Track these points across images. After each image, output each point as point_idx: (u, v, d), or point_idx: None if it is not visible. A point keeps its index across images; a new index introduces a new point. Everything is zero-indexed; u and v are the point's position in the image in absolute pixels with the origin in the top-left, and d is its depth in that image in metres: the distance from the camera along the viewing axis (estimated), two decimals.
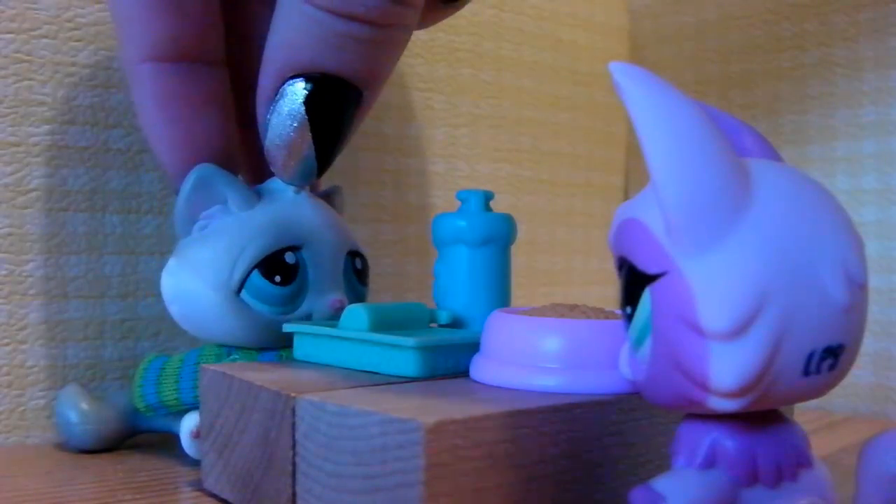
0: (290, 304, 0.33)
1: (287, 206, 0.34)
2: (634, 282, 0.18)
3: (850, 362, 0.19)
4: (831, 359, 0.18)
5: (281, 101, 0.27)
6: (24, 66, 0.38)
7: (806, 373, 0.17)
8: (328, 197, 0.37)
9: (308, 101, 0.27)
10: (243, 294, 0.32)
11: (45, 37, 0.38)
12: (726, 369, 0.17)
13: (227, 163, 0.32)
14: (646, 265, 0.18)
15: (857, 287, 0.18)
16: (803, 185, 0.19)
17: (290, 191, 0.34)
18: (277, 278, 0.32)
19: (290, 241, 0.33)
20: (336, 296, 0.34)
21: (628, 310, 0.19)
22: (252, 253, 0.32)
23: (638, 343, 0.19)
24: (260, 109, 0.29)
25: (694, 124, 0.17)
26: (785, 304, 0.17)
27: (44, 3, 0.38)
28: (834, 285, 0.18)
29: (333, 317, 0.33)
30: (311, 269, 0.33)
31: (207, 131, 0.32)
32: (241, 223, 0.33)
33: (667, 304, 0.17)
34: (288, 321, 0.32)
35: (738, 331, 0.17)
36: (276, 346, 0.33)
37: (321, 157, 0.30)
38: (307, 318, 0.33)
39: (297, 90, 0.27)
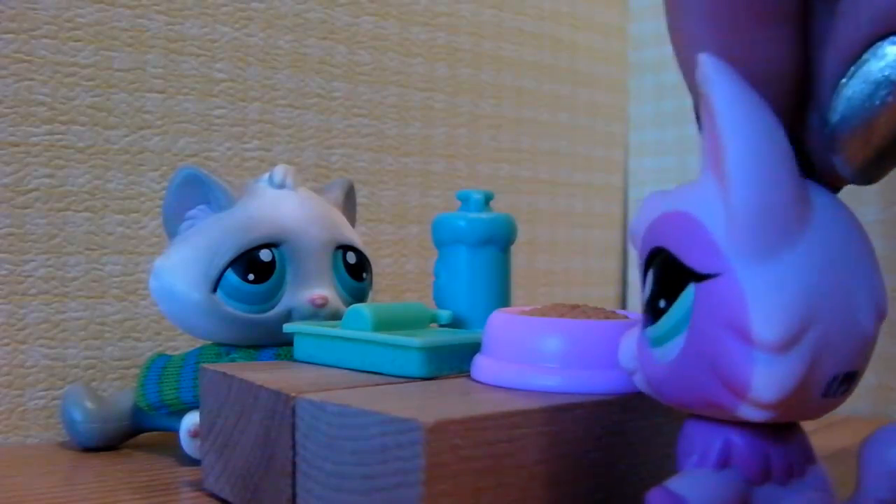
0: (265, 301, 0.33)
1: (266, 202, 0.34)
2: (674, 276, 0.18)
3: (855, 388, 0.19)
4: (846, 384, 0.18)
5: (872, 63, 0.19)
6: (24, 66, 0.38)
7: (824, 395, 0.18)
8: (332, 191, 0.37)
9: None
10: (218, 293, 0.32)
11: (45, 37, 0.38)
12: (769, 381, 0.17)
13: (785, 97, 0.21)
14: (696, 263, 0.17)
15: (881, 318, 0.18)
16: (844, 211, 0.19)
17: (271, 188, 0.34)
18: (251, 276, 0.32)
19: (266, 238, 0.33)
20: (319, 291, 0.34)
21: (662, 303, 0.18)
22: (226, 252, 0.32)
23: (663, 339, 0.18)
24: (832, 63, 0.19)
25: (777, 133, 0.17)
26: (824, 326, 0.17)
27: (44, 3, 0.38)
28: (865, 314, 0.18)
29: (315, 313, 0.33)
30: (291, 265, 0.33)
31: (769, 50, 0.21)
32: (219, 222, 0.33)
33: (715, 306, 0.17)
34: (265, 318, 0.33)
35: (787, 345, 0.16)
36: (255, 343, 0.33)
37: None
38: (286, 314, 0.33)
39: None
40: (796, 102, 0.20)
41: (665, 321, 0.18)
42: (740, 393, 0.17)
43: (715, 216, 0.17)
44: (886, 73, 0.18)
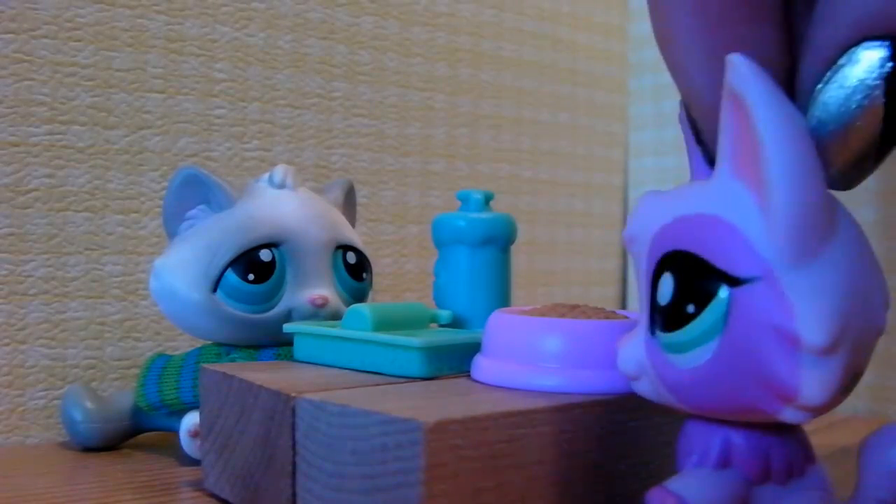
0: (265, 301, 0.33)
1: (266, 202, 0.34)
2: (704, 281, 0.18)
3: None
4: (860, 376, 0.18)
5: (847, 68, 0.19)
6: (24, 66, 0.38)
7: (845, 391, 0.18)
8: (332, 191, 0.38)
9: (893, 77, 0.19)
10: (218, 293, 0.32)
11: (45, 37, 0.38)
12: (818, 384, 0.16)
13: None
14: (732, 267, 0.17)
15: (887, 310, 0.18)
16: (848, 211, 0.19)
17: (271, 188, 0.34)
18: (251, 276, 0.32)
19: (266, 238, 0.33)
20: (318, 291, 0.34)
21: (690, 308, 0.18)
22: (226, 252, 0.32)
23: (690, 345, 0.18)
24: (809, 69, 0.20)
25: (808, 137, 0.17)
26: (858, 324, 0.17)
27: (44, 3, 0.38)
28: (880, 309, 0.18)
29: (315, 313, 0.33)
30: (291, 265, 0.33)
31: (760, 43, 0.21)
32: (219, 222, 0.33)
33: (756, 311, 0.17)
34: (265, 318, 0.33)
35: (834, 347, 0.16)
36: (255, 343, 0.33)
37: (881, 153, 0.20)
38: (286, 314, 0.33)
39: (875, 58, 0.19)
40: None
41: (694, 327, 0.18)
42: (789, 397, 0.17)
43: (749, 219, 0.17)
44: (862, 78, 0.19)
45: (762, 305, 0.17)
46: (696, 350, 0.18)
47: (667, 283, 0.18)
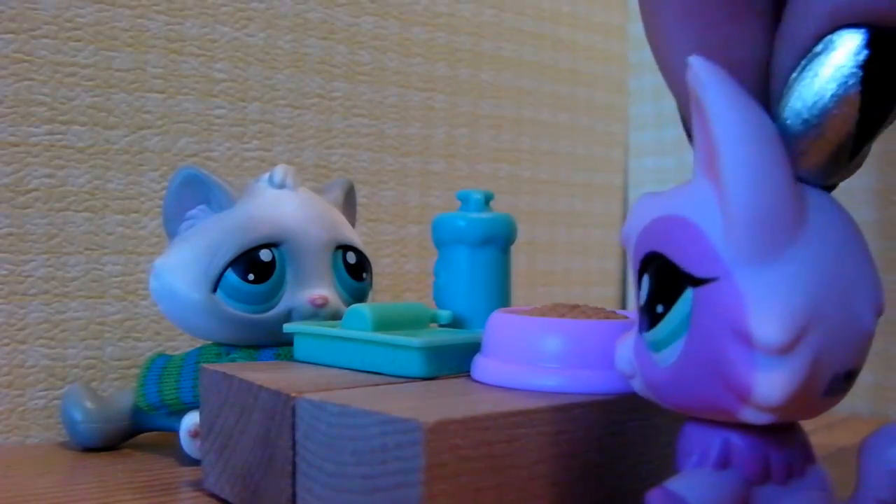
0: (265, 301, 0.33)
1: (266, 202, 0.34)
2: (672, 281, 0.18)
3: (852, 386, 0.19)
4: (847, 382, 0.18)
5: (823, 56, 0.18)
6: (24, 66, 0.38)
7: (825, 394, 0.18)
8: (332, 191, 0.38)
9: (868, 65, 0.18)
10: (218, 293, 0.32)
11: (45, 37, 0.38)
12: (772, 384, 0.17)
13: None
14: (694, 267, 0.17)
15: (879, 315, 0.18)
16: (839, 211, 0.19)
17: (271, 188, 0.34)
18: (251, 276, 0.32)
19: (266, 238, 0.33)
20: (318, 291, 0.34)
21: (659, 308, 0.18)
22: (226, 252, 0.32)
23: (663, 344, 0.18)
24: (784, 60, 0.19)
25: (771, 134, 0.17)
26: (825, 326, 0.17)
27: (44, 3, 0.38)
28: (865, 312, 0.18)
29: (315, 313, 0.33)
30: (291, 265, 0.33)
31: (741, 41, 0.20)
32: (219, 222, 0.33)
33: (714, 310, 0.17)
34: (265, 318, 0.33)
35: (789, 347, 0.16)
36: (255, 343, 0.33)
37: (858, 144, 0.19)
38: (286, 314, 0.33)
39: (852, 45, 0.18)
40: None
41: (663, 326, 0.18)
42: (743, 396, 0.17)
43: (711, 219, 0.17)
44: (838, 66, 0.18)
45: (719, 305, 0.17)
46: (668, 348, 0.18)
47: (645, 284, 0.19)
